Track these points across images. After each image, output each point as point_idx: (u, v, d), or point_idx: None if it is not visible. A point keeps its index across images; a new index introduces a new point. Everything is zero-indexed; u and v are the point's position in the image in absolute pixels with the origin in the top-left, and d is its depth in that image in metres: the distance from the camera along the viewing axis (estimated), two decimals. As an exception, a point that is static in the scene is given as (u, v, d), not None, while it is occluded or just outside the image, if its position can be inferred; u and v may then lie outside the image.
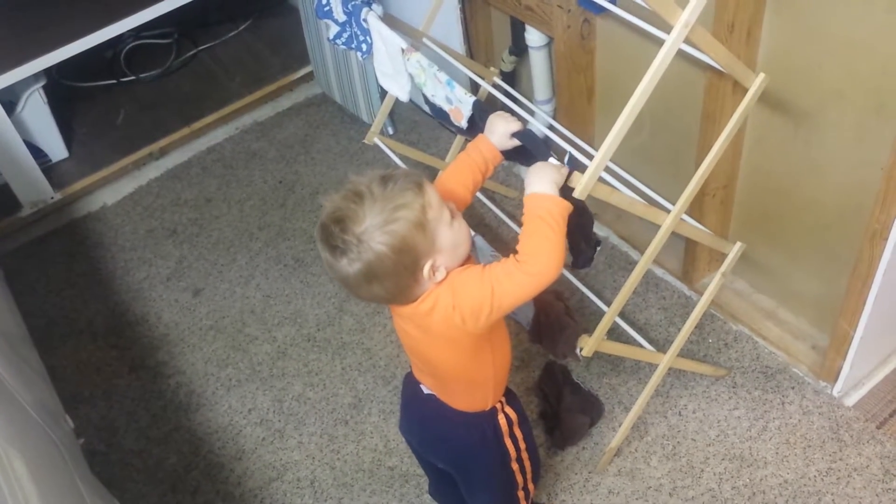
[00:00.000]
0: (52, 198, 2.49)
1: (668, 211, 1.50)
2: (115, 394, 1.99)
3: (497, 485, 1.42)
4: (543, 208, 1.15)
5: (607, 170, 1.56)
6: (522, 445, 1.39)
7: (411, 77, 1.71)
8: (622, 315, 1.81)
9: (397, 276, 1.11)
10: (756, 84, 1.45)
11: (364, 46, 1.84)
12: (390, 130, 2.58)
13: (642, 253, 1.51)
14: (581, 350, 1.52)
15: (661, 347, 1.76)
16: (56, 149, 2.61)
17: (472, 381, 1.30)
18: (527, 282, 1.13)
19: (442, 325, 1.17)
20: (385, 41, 1.74)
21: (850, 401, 1.77)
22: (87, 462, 1.69)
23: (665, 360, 1.68)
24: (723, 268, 1.71)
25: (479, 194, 2.10)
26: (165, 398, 1.97)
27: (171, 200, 2.48)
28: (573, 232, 1.64)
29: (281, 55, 2.89)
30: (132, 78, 2.88)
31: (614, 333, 1.68)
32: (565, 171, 1.23)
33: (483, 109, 1.59)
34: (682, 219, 1.53)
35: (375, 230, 1.08)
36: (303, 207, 2.40)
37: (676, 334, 1.71)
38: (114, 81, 2.87)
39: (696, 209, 1.79)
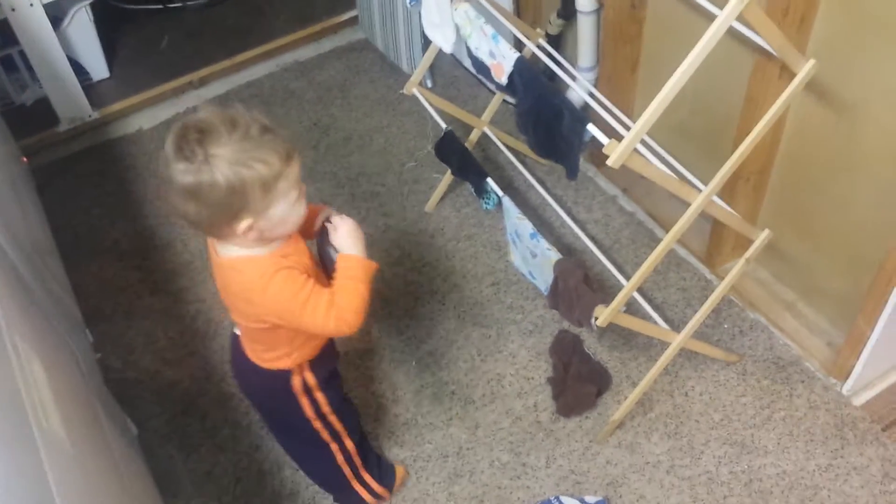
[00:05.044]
0: (90, 116, 2.51)
1: (700, 191, 1.49)
2: (135, 314, 2.03)
3: (299, 435, 1.49)
4: (358, 269, 1.26)
5: (643, 143, 1.55)
6: (326, 409, 1.43)
7: (457, 28, 1.70)
8: (640, 291, 1.81)
9: (216, 211, 1.13)
10: (805, 70, 1.42)
11: (413, -7, 1.83)
12: (429, 83, 2.56)
13: (667, 231, 1.50)
14: (596, 320, 1.53)
15: (676, 327, 1.76)
16: (98, 68, 2.62)
17: (265, 344, 1.34)
18: (332, 325, 1.23)
19: (239, 292, 1.23)
20: (434, -10, 1.72)
21: (859, 400, 1.77)
22: (102, 376, 1.73)
23: (678, 340, 1.68)
24: (748, 253, 1.70)
25: (510, 156, 2.10)
26: (184, 323, 2.01)
27: (206, 131, 2.49)
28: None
29: (328, -4, 2.87)
30: (179, 5, 2.88)
31: (631, 308, 1.68)
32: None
33: (525, 67, 1.58)
34: (712, 200, 1.52)
35: (225, 161, 1.09)
36: (335, 151, 2.40)
37: (693, 316, 1.71)
38: (160, 6, 2.87)
39: (727, 192, 1.77)
